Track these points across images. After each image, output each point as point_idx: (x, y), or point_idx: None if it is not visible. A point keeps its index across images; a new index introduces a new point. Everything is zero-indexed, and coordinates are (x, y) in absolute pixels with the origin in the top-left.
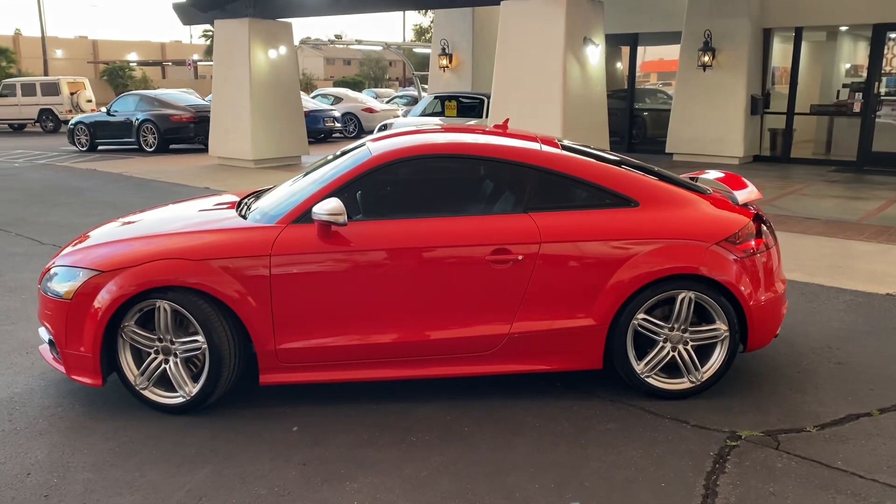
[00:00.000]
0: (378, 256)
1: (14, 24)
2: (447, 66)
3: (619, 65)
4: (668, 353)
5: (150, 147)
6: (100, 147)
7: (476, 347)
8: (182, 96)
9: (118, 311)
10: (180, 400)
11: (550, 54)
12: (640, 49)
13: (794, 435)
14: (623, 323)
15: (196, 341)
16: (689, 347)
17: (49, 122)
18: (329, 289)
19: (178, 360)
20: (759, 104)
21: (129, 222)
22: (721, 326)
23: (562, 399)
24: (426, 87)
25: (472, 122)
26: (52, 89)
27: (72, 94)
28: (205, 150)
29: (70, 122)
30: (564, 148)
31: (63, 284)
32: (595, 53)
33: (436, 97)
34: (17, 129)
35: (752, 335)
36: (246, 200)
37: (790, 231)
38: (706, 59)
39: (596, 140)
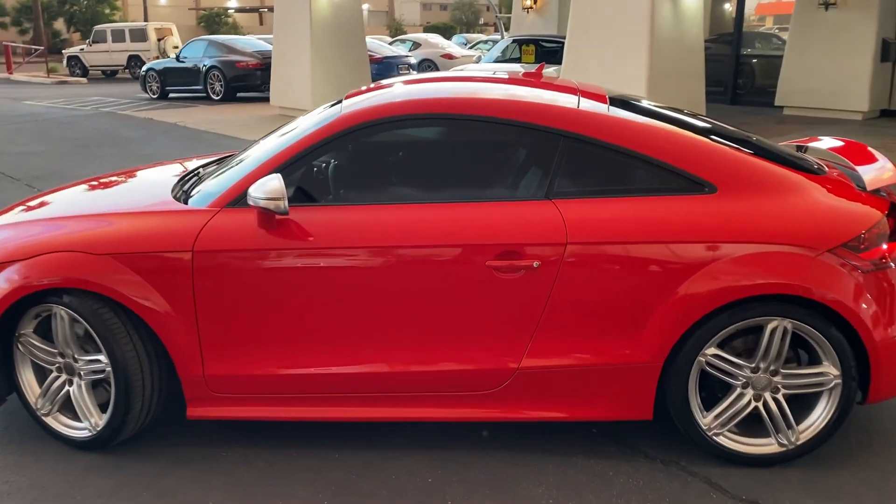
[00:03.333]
0: (341, 258)
1: None
2: (531, 7)
3: (726, 5)
4: (749, 402)
5: (217, 95)
6: (170, 94)
7: (473, 384)
8: (252, 42)
9: (9, 315)
10: (86, 433)
11: None
12: None
13: None
14: (685, 359)
15: (99, 361)
16: (780, 396)
17: (137, 68)
18: (275, 299)
19: (83, 382)
20: (891, 49)
21: (65, 196)
22: (830, 370)
23: (591, 457)
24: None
25: (552, 69)
26: (139, 35)
27: (159, 40)
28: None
29: (142, 69)
30: (615, 104)
31: None
32: None
33: (514, 41)
34: (109, 75)
35: (877, 382)
36: (211, 167)
37: None
38: None
39: (690, 92)
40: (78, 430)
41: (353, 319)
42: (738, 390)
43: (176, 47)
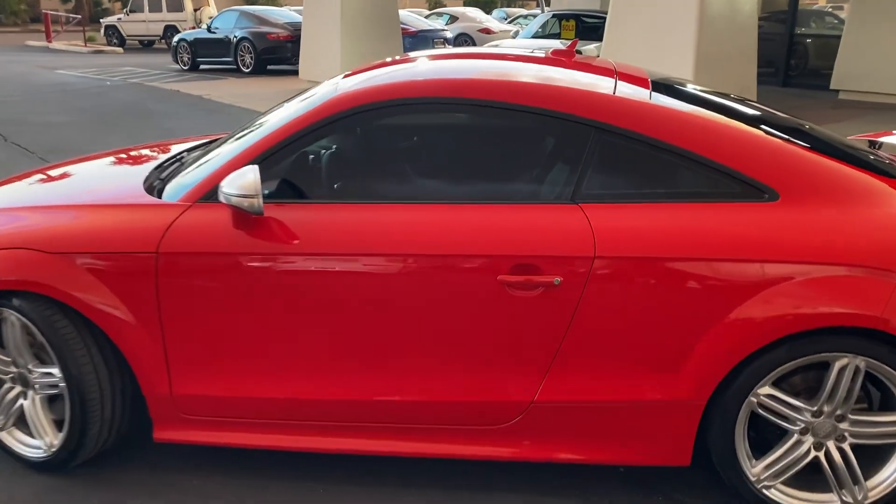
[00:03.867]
0: (327, 266)
1: None
2: None
3: None
4: (809, 451)
5: (247, 67)
6: (201, 66)
7: (479, 418)
8: (285, 13)
9: None
10: (40, 453)
11: None
12: None
13: None
14: (733, 398)
15: (52, 374)
16: (846, 446)
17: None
18: (250, 312)
19: (37, 396)
20: None
21: (40, 179)
22: None
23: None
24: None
25: (591, 46)
26: (176, 5)
27: (195, 10)
28: None
29: (174, 40)
30: (658, 89)
31: None
32: None
33: (554, 16)
34: (146, 45)
35: None
36: (196, 152)
37: None
38: None
39: (740, 74)
40: (32, 449)
41: (341, 339)
42: (796, 437)
43: (211, 17)
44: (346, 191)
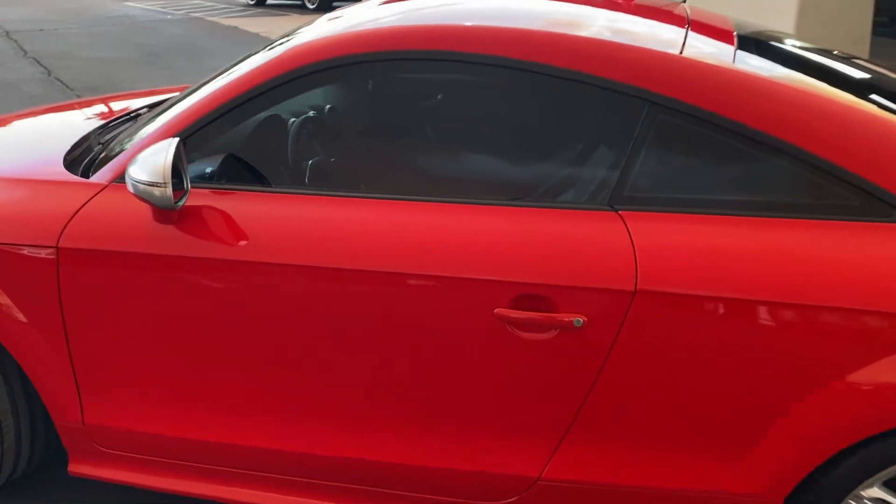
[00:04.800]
0: (269, 281)
1: None
2: None
3: None
4: None
5: (312, 4)
6: (268, 2)
7: (462, 491)
8: None
9: None
10: None
11: None
12: None
13: None
14: (826, 498)
15: None
16: None
17: None
18: (171, 331)
19: None
20: None
21: None
22: None
23: None
24: None
25: None
26: None
27: None
28: None
29: None
30: (747, 47)
31: None
32: None
33: None
34: None
35: None
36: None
37: None
38: None
39: (852, 23)
40: None
41: (288, 377)
42: None
43: None
44: (307, 177)
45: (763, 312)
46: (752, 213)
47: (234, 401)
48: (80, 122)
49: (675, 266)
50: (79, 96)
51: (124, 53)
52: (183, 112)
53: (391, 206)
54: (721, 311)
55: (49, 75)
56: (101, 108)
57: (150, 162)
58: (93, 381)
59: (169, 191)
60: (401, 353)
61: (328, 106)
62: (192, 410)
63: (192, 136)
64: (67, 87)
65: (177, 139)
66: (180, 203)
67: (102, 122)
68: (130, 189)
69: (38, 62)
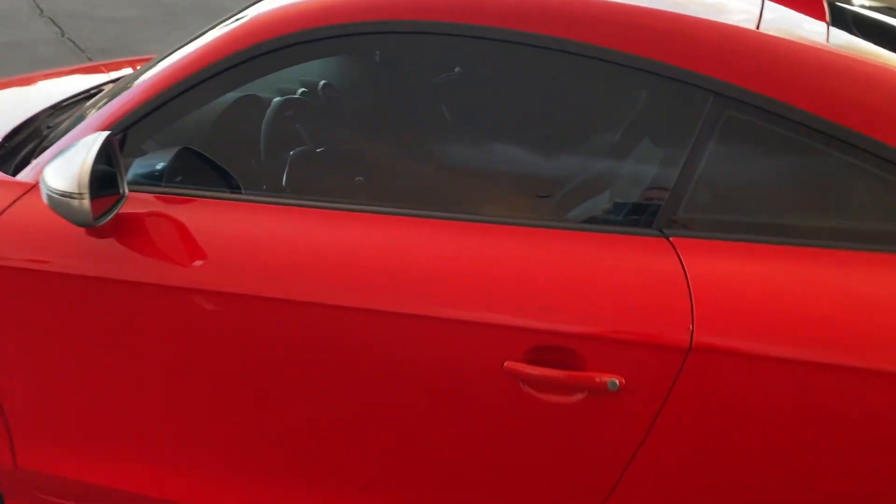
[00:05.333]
0: (222, 308)
1: None
2: None
3: None
4: None
5: None
6: None
7: None
8: None
9: None
10: None
11: None
12: None
13: None
14: None
15: None
16: None
17: None
18: (109, 365)
19: None
20: None
21: None
22: None
23: None
24: None
25: None
26: None
27: None
28: None
29: None
30: (843, 23)
31: None
32: None
33: None
34: None
35: None
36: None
37: None
38: None
39: None
40: None
41: (241, 422)
42: None
43: None
44: (266, 177)
45: (858, 377)
46: (854, 244)
47: (178, 454)
48: (37, 99)
49: (745, 313)
50: (89, 58)
51: (143, 12)
52: (123, 98)
53: (374, 221)
54: (807, 377)
55: (62, 36)
56: (81, 79)
57: (67, 165)
58: (24, 420)
59: (86, 203)
60: (389, 413)
61: (301, 89)
62: (131, 462)
63: (137, 126)
64: (80, 48)
65: (104, 133)
66: (104, 219)
67: (56, 101)
68: (45, 200)
69: (53, 21)
